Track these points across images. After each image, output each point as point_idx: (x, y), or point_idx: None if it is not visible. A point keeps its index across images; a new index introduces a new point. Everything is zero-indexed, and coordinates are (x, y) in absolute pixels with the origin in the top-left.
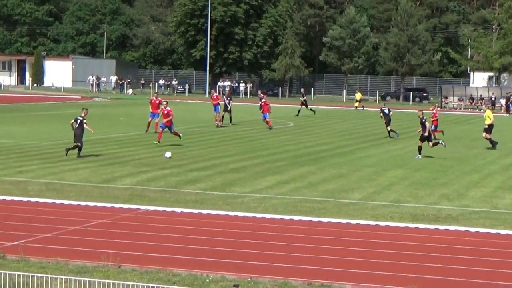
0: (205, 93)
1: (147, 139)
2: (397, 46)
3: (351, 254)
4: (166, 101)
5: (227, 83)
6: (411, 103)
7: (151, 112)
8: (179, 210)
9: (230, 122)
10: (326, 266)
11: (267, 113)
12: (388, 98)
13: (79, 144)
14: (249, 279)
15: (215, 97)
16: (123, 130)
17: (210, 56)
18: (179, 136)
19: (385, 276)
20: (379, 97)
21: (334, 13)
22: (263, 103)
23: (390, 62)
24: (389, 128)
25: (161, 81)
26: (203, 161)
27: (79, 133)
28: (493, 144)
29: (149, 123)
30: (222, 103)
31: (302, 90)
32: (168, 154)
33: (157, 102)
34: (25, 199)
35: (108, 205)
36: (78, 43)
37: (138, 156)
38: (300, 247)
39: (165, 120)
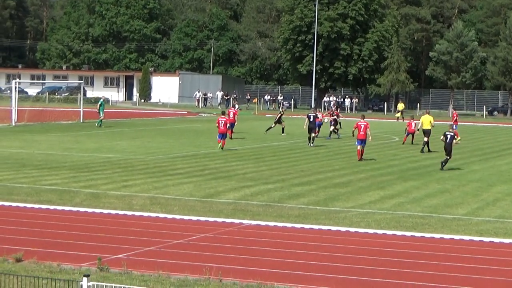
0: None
1: (252, 154)
2: (505, 60)
3: (453, 270)
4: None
5: (332, 98)
6: None
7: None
8: (281, 224)
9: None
10: (429, 282)
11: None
12: (495, 113)
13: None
14: None
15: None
16: (228, 145)
17: (315, 71)
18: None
19: None
20: (486, 112)
21: (442, 28)
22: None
23: (498, 76)
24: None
25: (267, 97)
26: (307, 176)
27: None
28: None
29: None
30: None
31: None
32: None
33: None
34: (129, 213)
35: (211, 219)
36: (185, 59)
37: (243, 170)
38: (402, 262)
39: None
